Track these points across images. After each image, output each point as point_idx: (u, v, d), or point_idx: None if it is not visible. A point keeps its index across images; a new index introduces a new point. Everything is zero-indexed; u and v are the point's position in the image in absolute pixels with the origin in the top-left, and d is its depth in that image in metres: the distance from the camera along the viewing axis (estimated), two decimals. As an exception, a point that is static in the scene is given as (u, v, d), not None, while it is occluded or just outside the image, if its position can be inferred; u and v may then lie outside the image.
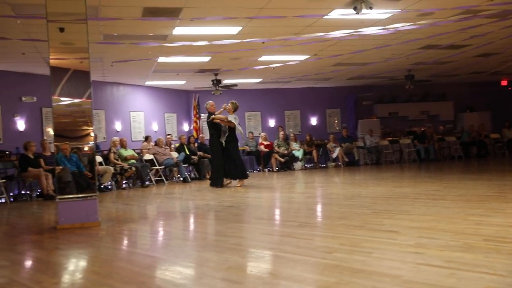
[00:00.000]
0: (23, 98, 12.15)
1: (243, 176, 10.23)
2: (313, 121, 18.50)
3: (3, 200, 9.99)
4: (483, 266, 3.00)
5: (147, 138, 14.17)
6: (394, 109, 18.79)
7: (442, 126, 18.99)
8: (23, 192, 10.38)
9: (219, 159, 10.15)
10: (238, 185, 10.13)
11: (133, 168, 11.76)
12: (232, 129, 10.09)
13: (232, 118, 10.08)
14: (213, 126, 10.22)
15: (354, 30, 9.07)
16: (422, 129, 17.46)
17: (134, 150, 12.87)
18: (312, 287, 2.80)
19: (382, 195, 7.21)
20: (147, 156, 12.98)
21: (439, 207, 5.61)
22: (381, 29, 9.00)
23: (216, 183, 10.20)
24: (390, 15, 8.59)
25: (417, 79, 15.67)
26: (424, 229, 4.31)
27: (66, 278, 3.48)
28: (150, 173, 12.64)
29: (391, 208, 5.73)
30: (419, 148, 16.67)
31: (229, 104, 10.29)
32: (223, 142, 10.06)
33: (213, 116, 10.25)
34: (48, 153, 10.66)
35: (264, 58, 12.04)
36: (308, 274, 3.11)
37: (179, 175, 13.09)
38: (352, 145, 16.59)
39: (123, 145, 12.36)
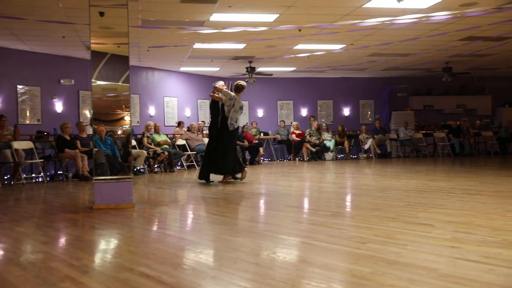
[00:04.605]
0: (62, 81, 12.45)
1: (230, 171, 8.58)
2: (346, 111, 18.33)
3: (41, 179, 10.28)
4: (522, 263, 2.93)
5: (179, 124, 14.33)
6: (430, 101, 18.45)
7: (479, 120, 18.53)
8: (59, 172, 10.66)
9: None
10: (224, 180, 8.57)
11: (166, 153, 11.92)
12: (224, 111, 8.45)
13: (230, 93, 8.48)
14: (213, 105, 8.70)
15: (392, 18, 8.91)
16: (458, 123, 17.10)
17: (166, 135, 13.04)
18: (346, 276, 2.79)
19: (416, 188, 7.11)
20: (180, 142, 13.13)
21: (475, 202, 5.50)
22: (419, 18, 8.82)
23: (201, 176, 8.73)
24: (431, 4, 8.39)
25: (455, 71, 15.32)
26: (460, 223, 4.23)
27: (104, 256, 3.57)
28: (181, 159, 12.78)
29: (425, 202, 5.65)
30: (454, 142, 16.35)
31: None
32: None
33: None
34: (85, 135, 10.89)
35: (300, 46, 11.97)
36: (342, 263, 3.10)
37: (210, 161, 13.19)
38: (385, 137, 16.39)
39: (156, 130, 12.52)
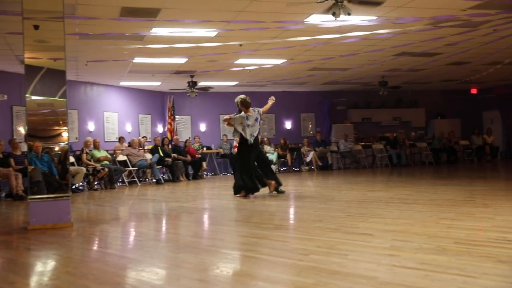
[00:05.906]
0: (-7, 96, 11.88)
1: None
2: (288, 125, 18.58)
3: (-29, 200, 9.73)
4: (455, 268, 3.07)
5: (120, 139, 14.02)
6: (368, 114, 19.04)
7: (414, 132, 19.32)
8: (-9, 192, 10.13)
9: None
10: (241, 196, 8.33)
11: (106, 169, 11.61)
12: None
13: (238, 117, 8.56)
14: None
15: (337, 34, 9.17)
16: (394, 135, 17.75)
17: (107, 151, 12.72)
18: (289, 288, 2.82)
19: (356, 199, 7.29)
20: (121, 157, 12.84)
21: (411, 211, 5.71)
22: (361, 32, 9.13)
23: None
24: (367, 22, 8.71)
25: (391, 85, 15.92)
26: (398, 232, 4.39)
27: (39, 279, 3.42)
28: (123, 175, 12.50)
29: (365, 212, 5.80)
30: (391, 154, 16.93)
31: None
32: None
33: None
34: (19, 153, 10.44)
35: (241, 61, 12.06)
36: (286, 275, 3.13)
37: (152, 177, 12.98)
38: (326, 150, 16.74)
39: (96, 146, 12.19)
